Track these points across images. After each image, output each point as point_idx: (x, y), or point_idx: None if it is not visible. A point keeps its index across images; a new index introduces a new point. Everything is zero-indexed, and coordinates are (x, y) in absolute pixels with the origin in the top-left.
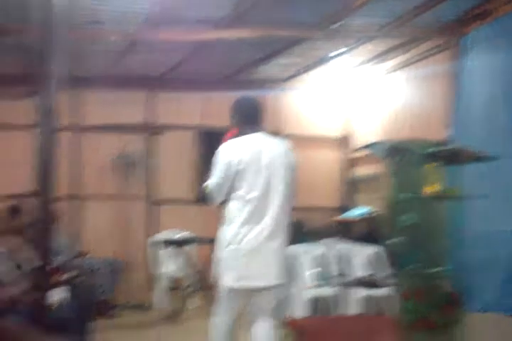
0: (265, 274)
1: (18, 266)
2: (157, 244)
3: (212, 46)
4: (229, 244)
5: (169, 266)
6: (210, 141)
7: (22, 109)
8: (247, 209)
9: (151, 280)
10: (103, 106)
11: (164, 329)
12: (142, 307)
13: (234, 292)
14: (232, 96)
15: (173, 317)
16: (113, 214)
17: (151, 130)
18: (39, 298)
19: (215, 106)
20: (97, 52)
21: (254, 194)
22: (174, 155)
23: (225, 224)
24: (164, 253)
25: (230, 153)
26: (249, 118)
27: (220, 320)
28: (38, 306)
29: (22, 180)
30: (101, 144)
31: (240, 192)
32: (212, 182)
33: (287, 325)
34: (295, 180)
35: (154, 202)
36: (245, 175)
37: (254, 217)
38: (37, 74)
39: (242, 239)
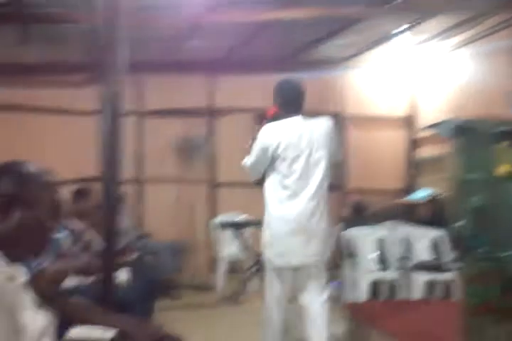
0: (306, 251)
1: (85, 248)
2: (218, 227)
3: (270, 28)
4: (270, 223)
5: (229, 248)
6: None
7: (87, 96)
8: (287, 190)
9: (212, 261)
10: (165, 91)
11: (225, 310)
12: (204, 287)
13: (278, 269)
14: (292, 77)
15: (234, 298)
16: (175, 197)
17: (212, 113)
18: (105, 279)
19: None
20: (157, 38)
21: (294, 176)
22: (235, 138)
23: (267, 205)
24: (225, 235)
25: (270, 136)
26: (291, 101)
27: (270, 298)
28: (105, 286)
29: (88, 164)
30: (163, 128)
31: (279, 175)
32: (248, 160)
33: (348, 309)
34: (336, 160)
35: (215, 185)
36: (284, 158)
37: (294, 197)
38: (100, 60)
39: (281, 219)
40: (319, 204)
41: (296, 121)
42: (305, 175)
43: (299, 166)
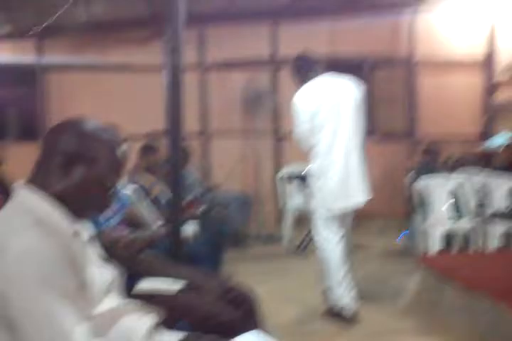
0: (354, 195)
1: (154, 202)
2: (284, 179)
3: None
4: (320, 174)
5: (296, 199)
6: (338, 71)
7: (153, 51)
8: (331, 140)
9: (279, 213)
10: (227, 43)
11: (292, 261)
12: (272, 239)
13: (331, 215)
14: (362, 21)
15: (300, 249)
16: (241, 149)
17: (276, 63)
18: (174, 232)
19: (343, 34)
20: None
21: (337, 126)
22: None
23: (313, 158)
24: (291, 187)
25: (305, 99)
26: (310, 66)
27: (325, 245)
28: (174, 239)
29: (155, 119)
30: (227, 81)
31: (321, 131)
32: (298, 131)
33: (420, 260)
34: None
35: (280, 137)
36: (322, 114)
37: (336, 148)
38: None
39: (329, 169)
40: (360, 153)
41: (323, 80)
42: (348, 124)
43: (335, 120)
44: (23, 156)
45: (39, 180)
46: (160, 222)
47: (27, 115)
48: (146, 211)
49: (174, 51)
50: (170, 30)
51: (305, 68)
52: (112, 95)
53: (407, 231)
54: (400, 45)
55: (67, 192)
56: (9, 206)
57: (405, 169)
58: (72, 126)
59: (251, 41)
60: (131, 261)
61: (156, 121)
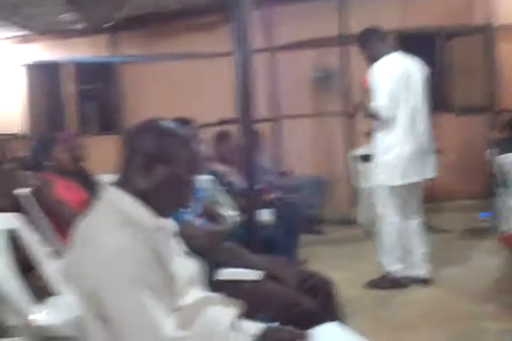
0: (425, 169)
1: (228, 190)
2: (357, 159)
3: None
4: (393, 147)
5: (369, 180)
6: (411, 44)
7: (218, 37)
8: (405, 116)
9: (354, 195)
10: (294, 22)
11: (368, 243)
12: (347, 222)
13: (400, 189)
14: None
15: (376, 232)
16: (313, 131)
17: (346, 41)
18: (250, 219)
19: (415, 7)
20: None
21: (410, 103)
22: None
23: (384, 131)
24: (364, 167)
25: (386, 72)
26: (378, 39)
27: (390, 220)
28: (249, 226)
29: (225, 106)
30: (295, 62)
31: (398, 105)
32: (381, 102)
33: (504, 241)
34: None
35: (352, 117)
36: (399, 90)
37: (410, 122)
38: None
39: (404, 143)
40: (427, 127)
41: (396, 57)
42: (416, 102)
43: (411, 92)
44: (103, 149)
45: (124, 179)
46: (235, 211)
47: (104, 109)
48: (222, 200)
49: (243, 36)
50: (238, 16)
51: (373, 41)
52: (181, 84)
53: (489, 211)
54: (477, 10)
55: (151, 191)
56: (99, 205)
57: (486, 145)
58: (150, 127)
59: (319, 20)
60: (211, 253)
61: (226, 108)
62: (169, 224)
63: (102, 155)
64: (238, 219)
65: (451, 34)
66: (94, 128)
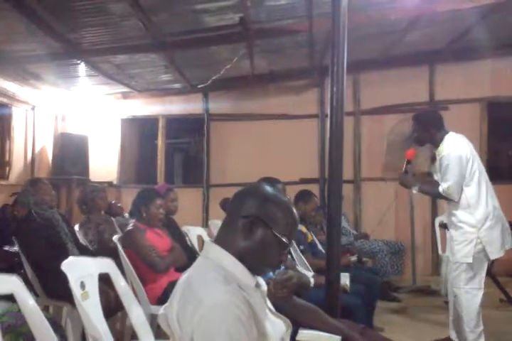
0: (507, 242)
1: (304, 250)
2: (441, 226)
3: (500, 10)
4: (483, 222)
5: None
6: (500, 112)
7: (306, 100)
8: (484, 192)
9: (435, 263)
10: (380, 87)
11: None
12: (427, 291)
13: (486, 262)
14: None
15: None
16: (394, 195)
17: (433, 106)
18: (330, 281)
19: (506, 75)
20: (375, 34)
21: (484, 178)
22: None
23: (467, 208)
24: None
25: (459, 148)
26: (440, 125)
27: (479, 292)
28: (329, 289)
29: (307, 166)
30: (379, 125)
31: (475, 179)
32: (453, 182)
33: None
34: None
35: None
36: (473, 165)
37: (489, 196)
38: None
39: (492, 217)
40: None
41: (455, 135)
42: (485, 176)
43: (482, 168)
44: (186, 201)
45: (226, 239)
46: (310, 272)
47: (190, 162)
48: (298, 260)
49: (338, 100)
50: (335, 79)
51: (435, 125)
52: (266, 143)
53: None
54: None
55: (249, 251)
56: (202, 261)
57: None
58: (254, 191)
59: (406, 85)
60: (291, 309)
61: (306, 167)
62: (262, 282)
63: (185, 206)
64: (313, 280)
65: None
66: (179, 180)
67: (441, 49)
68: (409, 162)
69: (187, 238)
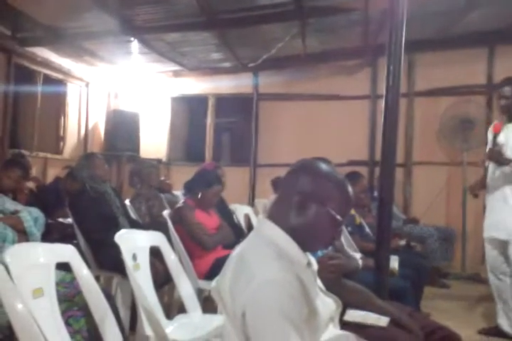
0: None
1: (352, 232)
2: None
3: None
4: None
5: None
6: None
7: (357, 81)
8: None
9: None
10: (435, 69)
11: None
12: (476, 279)
13: None
14: None
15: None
16: (445, 180)
17: (490, 89)
18: (379, 264)
19: None
20: (432, 13)
21: None
22: None
23: None
24: None
25: None
26: None
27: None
28: (378, 272)
29: (356, 148)
30: (432, 108)
31: None
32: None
33: None
34: None
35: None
36: None
37: None
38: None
39: None
40: None
41: None
42: None
43: None
44: (233, 179)
45: (278, 215)
46: (359, 254)
47: (238, 141)
48: (346, 241)
49: (395, 80)
50: (391, 60)
51: None
52: (314, 123)
53: None
54: None
55: (302, 228)
56: (255, 237)
57: None
58: (308, 168)
59: (461, 67)
60: (339, 290)
61: (355, 149)
62: (314, 262)
63: (232, 185)
64: (361, 262)
65: None
66: (226, 159)
67: (503, 29)
68: (496, 136)
69: (234, 216)
